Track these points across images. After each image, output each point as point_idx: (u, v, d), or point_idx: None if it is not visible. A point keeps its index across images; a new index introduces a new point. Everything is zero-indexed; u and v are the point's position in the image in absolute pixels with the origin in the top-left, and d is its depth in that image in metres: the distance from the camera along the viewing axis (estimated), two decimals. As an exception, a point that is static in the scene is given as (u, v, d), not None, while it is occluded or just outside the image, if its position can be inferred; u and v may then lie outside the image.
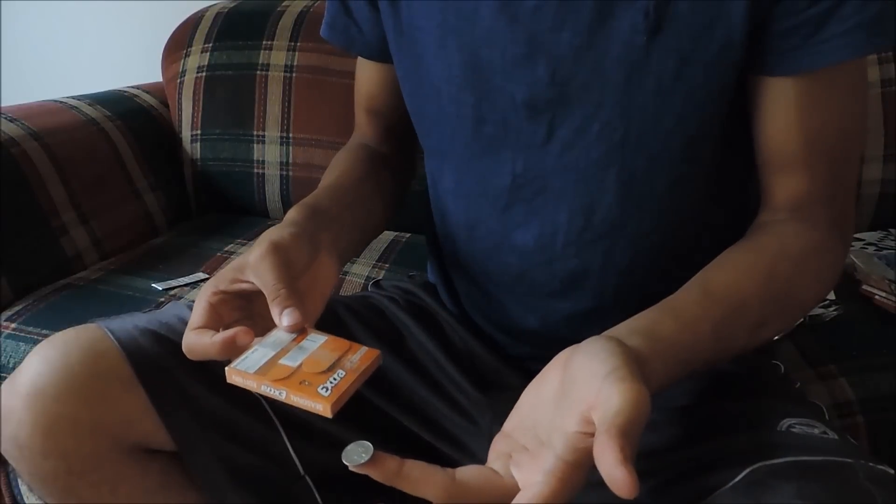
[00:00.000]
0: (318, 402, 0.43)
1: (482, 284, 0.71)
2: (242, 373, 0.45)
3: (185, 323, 0.64)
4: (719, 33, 0.55)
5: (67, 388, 0.57)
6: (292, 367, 0.46)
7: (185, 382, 0.61)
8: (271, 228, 0.56)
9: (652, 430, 0.60)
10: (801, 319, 0.60)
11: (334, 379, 0.45)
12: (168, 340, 0.62)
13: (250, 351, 0.47)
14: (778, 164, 0.60)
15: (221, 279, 0.52)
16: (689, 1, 0.54)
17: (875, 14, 0.53)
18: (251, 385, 0.45)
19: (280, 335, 0.49)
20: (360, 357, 0.48)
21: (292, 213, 0.59)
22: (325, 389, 0.44)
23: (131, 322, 0.63)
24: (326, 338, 0.50)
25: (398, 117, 0.74)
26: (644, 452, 0.58)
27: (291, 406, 0.44)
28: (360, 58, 0.77)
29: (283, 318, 0.49)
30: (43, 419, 0.57)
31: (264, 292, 0.50)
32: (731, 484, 0.46)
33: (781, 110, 0.58)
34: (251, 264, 0.51)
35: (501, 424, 0.67)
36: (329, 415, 0.43)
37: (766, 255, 0.56)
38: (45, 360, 0.58)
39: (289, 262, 0.52)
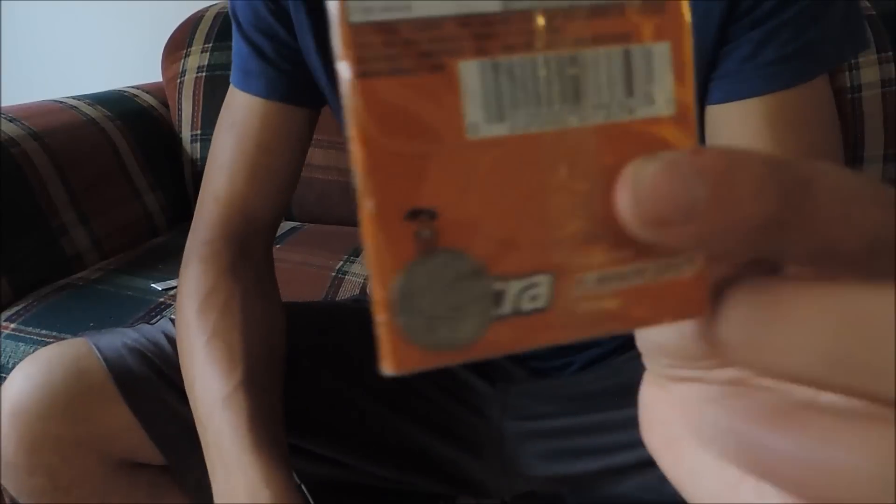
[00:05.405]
0: None
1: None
2: None
3: (172, 340, 0.63)
4: (700, 37, 0.54)
5: (50, 405, 0.57)
6: None
7: (172, 401, 0.61)
8: None
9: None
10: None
11: None
12: (154, 360, 0.62)
13: None
14: None
15: None
16: None
17: (812, 40, 0.51)
18: None
19: None
20: None
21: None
22: None
23: (120, 339, 0.63)
24: None
25: (292, 174, 0.64)
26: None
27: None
28: (242, 115, 0.63)
29: None
30: (27, 436, 0.57)
31: None
32: None
33: (746, 137, 0.53)
34: None
35: (511, 417, 0.67)
36: None
37: None
38: (27, 377, 0.58)
39: None
